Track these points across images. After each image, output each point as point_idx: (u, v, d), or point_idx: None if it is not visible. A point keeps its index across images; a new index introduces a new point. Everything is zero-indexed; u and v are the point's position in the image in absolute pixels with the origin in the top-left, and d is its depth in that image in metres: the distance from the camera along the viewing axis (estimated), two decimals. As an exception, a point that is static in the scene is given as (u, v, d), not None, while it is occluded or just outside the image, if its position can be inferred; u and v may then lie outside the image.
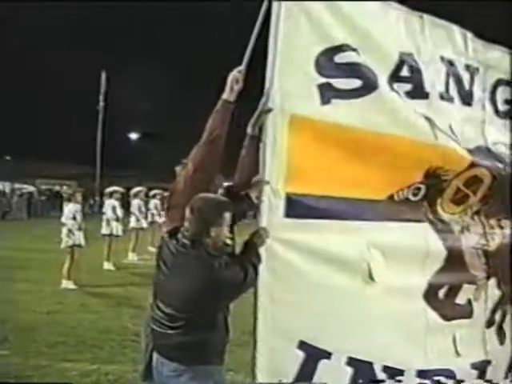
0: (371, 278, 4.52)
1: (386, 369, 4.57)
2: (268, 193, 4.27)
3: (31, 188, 42.98)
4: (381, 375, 4.54)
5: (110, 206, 15.72)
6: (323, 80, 4.33)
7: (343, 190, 4.52)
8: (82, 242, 12.74)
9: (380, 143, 4.53)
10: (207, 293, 3.75)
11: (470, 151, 4.89)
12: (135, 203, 17.93)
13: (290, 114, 4.26)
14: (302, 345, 4.28)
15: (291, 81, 4.27)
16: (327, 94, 4.34)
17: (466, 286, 5.09)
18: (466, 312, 5.09)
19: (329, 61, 4.35)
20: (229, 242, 4.02)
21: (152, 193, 20.32)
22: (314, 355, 4.30)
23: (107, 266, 15.44)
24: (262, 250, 4.11)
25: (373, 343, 4.50)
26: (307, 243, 4.31)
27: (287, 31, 4.23)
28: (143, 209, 18.54)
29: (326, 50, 4.35)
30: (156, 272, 4.03)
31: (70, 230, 12.43)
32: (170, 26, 77.69)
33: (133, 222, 17.67)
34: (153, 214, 20.00)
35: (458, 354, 4.92)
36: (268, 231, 4.17)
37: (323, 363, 4.34)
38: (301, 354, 4.27)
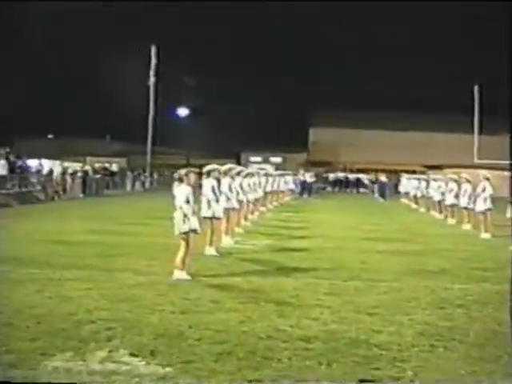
0: None
1: None
2: None
3: (87, 166, 41.92)
4: None
5: (210, 185, 14.24)
6: None
7: None
8: (198, 227, 11.32)
9: None
10: None
11: None
12: (225, 182, 16.42)
13: None
14: None
15: None
16: None
17: None
18: None
19: None
20: None
21: (235, 171, 18.76)
22: None
23: (210, 251, 14.00)
24: None
25: None
26: None
27: None
28: (233, 187, 17.08)
29: None
30: None
31: (185, 215, 10.99)
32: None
33: (223, 202, 16.10)
34: (238, 193, 18.53)
35: None
36: None
37: None
38: None
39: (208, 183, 14.27)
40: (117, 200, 37.90)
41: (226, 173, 16.56)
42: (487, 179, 19.73)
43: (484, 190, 19.47)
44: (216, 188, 14.47)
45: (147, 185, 52.30)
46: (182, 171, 11.41)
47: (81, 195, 38.45)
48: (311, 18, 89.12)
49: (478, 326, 8.20)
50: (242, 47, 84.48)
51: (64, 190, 37.01)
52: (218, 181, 15.02)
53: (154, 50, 49.85)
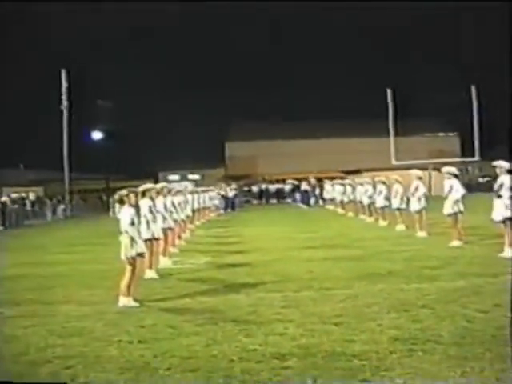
0: None
1: None
2: None
3: (4, 197, 40.37)
4: None
5: (147, 206, 13.70)
6: None
7: None
8: (145, 249, 10.82)
9: None
10: None
11: None
12: (160, 201, 15.88)
13: None
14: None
15: None
16: None
17: None
18: None
19: None
20: None
21: (167, 189, 18.22)
22: None
23: (150, 274, 13.48)
24: None
25: None
26: None
27: None
28: (168, 206, 16.60)
29: None
30: None
31: (132, 239, 10.46)
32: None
33: (160, 222, 15.52)
34: (171, 212, 17.97)
35: None
36: None
37: None
38: None
39: (145, 203, 13.73)
40: (40, 230, 36.61)
41: (159, 192, 16.06)
42: (420, 178, 19.88)
43: (417, 189, 19.58)
44: (153, 208, 13.98)
45: (68, 212, 50.92)
46: (123, 192, 10.88)
47: (0, 228, 36.98)
48: (226, 29, 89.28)
49: (448, 324, 8.02)
50: (153, 64, 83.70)
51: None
52: (153, 200, 14.52)
53: (64, 73, 48.76)
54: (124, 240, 10.48)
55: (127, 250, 10.46)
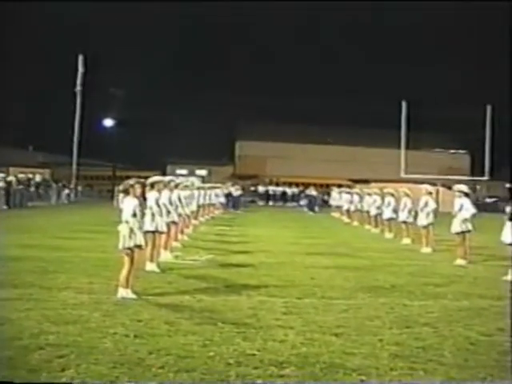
0: None
1: None
2: None
3: (10, 177, 40.29)
4: None
5: (154, 198, 13.59)
6: None
7: None
8: (143, 242, 10.67)
9: None
10: None
11: None
12: (165, 194, 15.73)
13: None
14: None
15: None
16: None
17: None
18: None
19: None
20: None
21: (174, 183, 18.08)
22: None
23: (150, 267, 13.34)
24: None
25: None
26: None
27: None
28: (173, 200, 16.44)
29: None
30: None
31: (131, 230, 10.31)
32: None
33: (164, 216, 15.38)
34: (177, 206, 17.82)
35: None
36: None
37: None
38: None
39: (152, 196, 13.61)
40: (43, 212, 36.51)
41: (165, 185, 15.91)
42: (430, 193, 19.69)
43: (427, 204, 19.37)
44: (160, 201, 13.85)
45: (72, 197, 50.87)
46: (131, 181, 10.72)
47: (4, 207, 36.91)
48: (239, 29, 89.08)
49: (451, 345, 7.84)
50: (169, 59, 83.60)
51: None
52: (160, 193, 14.39)
53: (81, 58, 48.68)
54: (123, 230, 10.32)
55: (125, 241, 10.30)
